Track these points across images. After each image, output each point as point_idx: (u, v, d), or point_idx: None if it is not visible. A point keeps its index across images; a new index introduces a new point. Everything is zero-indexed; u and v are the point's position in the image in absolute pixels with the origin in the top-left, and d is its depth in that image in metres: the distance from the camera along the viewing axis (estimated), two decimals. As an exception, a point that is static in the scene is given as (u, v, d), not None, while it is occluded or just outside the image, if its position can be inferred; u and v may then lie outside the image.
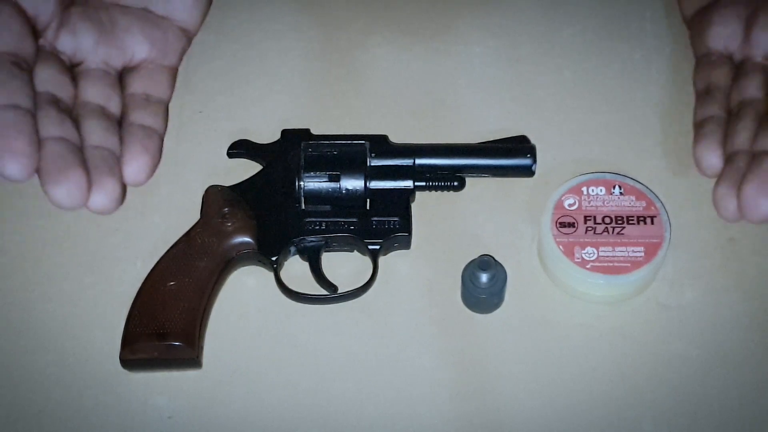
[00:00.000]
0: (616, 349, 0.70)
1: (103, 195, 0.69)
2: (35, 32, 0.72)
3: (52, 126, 0.69)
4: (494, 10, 0.85)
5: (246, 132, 0.77)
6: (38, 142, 0.68)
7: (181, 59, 0.80)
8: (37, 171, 0.68)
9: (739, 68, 0.76)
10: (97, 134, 0.72)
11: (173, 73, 0.79)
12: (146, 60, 0.77)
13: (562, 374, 0.69)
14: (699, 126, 0.75)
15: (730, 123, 0.73)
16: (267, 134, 0.76)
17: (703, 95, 0.76)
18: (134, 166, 0.72)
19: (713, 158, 0.72)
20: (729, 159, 0.71)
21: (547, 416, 0.68)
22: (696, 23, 0.80)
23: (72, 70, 0.75)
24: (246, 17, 0.85)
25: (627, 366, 0.70)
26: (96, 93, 0.74)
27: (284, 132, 0.76)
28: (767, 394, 0.68)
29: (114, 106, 0.74)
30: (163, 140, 0.76)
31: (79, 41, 0.74)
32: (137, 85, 0.76)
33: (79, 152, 0.70)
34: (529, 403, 0.69)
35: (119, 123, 0.74)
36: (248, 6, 0.86)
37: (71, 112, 0.73)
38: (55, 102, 0.71)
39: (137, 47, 0.77)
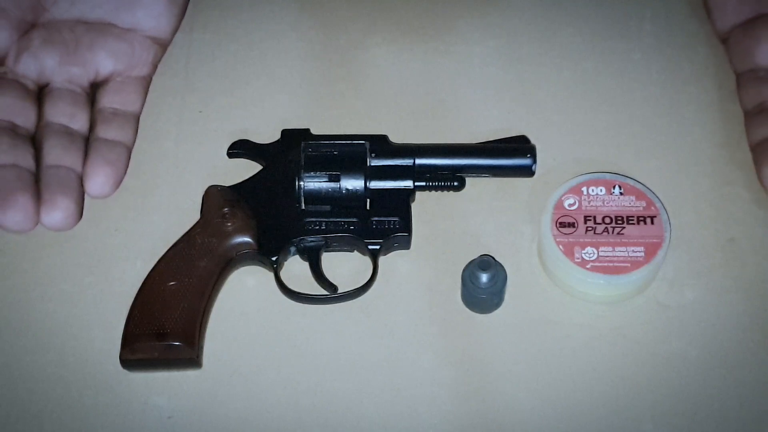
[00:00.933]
0: (616, 349, 0.70)
1: (56, 213, 0.71)
2: None
3: (3, 154, 0.72)
4: (494, 10, 0.85)
5: (246, 132, 0.78)
6: None
7: (154, 68, 0.81)
8: None
9: None
10: (54, 154, 0.73)
11: (144, 83, 0.80)
12: (113, 74, 0.78)
13: (562, 374, 0.69)
14: (761, 147, 0.74)
15: None
16: (267, 134, 0.76)
17: (755, 114, 0.76)
18: (96, 180, 0.73)
19: None
20: None
21: (547, 416, 0.68)
22: (738, 38, 0.79)
23: (40, 91, 0.77)
24: (246, 17, 0.85)
25: (627, 366, 0.70)
26: (59, 113, 0.75)
27: (284, 132, 0.76)
28: (767, 394, 0.68)
29: (79, 124, 0.76)
30: (130, 152, 0.77)
31: (41, 63, 0.76)
32: (105, 100, 0.77)
33: (30, 176, 0.72)
34: (529, 403, 0.69)
35: (87, 139, 0.76)
36: (248, 6, 0.86)
37: (31, 136, 0.75)
38: (12, 129, 0.74)
39: (101, 63, 0.78)
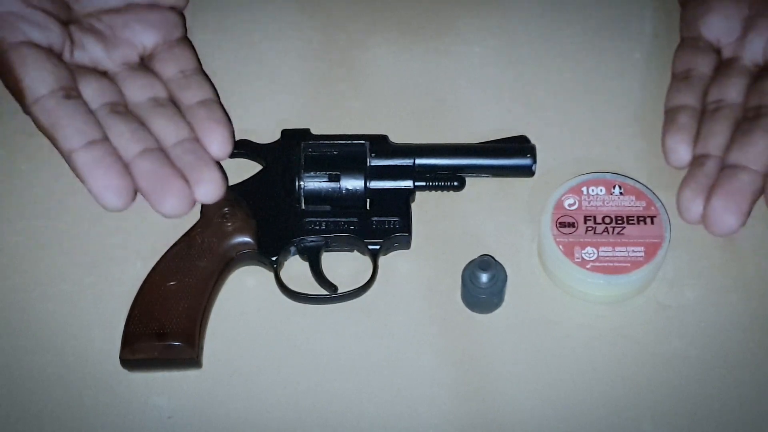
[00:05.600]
0: (616, 349, 0.70)
1: (209, 186, 0.72)
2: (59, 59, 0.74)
3: (130, 142, 0.72)
4: (494, 10, 0.85)
5: (246, 132, 0.77)
6: (126, 166, 0.71)
7: (185, 29, 0.80)
8: (139, 191, 0.71)
9: (725, 65, 0.76)
10: (169, 129, 0.73)
11: (187, 42, 0.80)
12: (158, 44, 0.78)
13: (562, 374, 0.69)
14: (672, 113, 0.75)
15: (704, 121, 0.74)
16: (267, 134, 0.76)
17: (680, 79, 0.77)
18: (216, 143, 0.73)
19: (685, 153, 0.73)
20: (699, 161, 0.72)
21: (547, 416, 0.68)
22: (692, 4, 0.79)
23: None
24: (246, 17, 0.85)
25: (627, 366, 0.70)
26: (137, 89, 0.75)
27: (284, 132, 0.76)
28: (767, 394, 0.68)
29: (161, 91, 0.75)
30: (221, 104, 0.77)
31: (91, 54, 0.76)
32: (168, 69, 0.77)
33: (166, 157, 0.72)
34: (529, 403, 0.69)
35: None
36: (248, 6, 0.86)
37: (128, 110, 0.74)
38: (114, 110, 0.73)
39: (143, 36, 0.77)
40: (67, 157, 0.71)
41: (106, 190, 0.70)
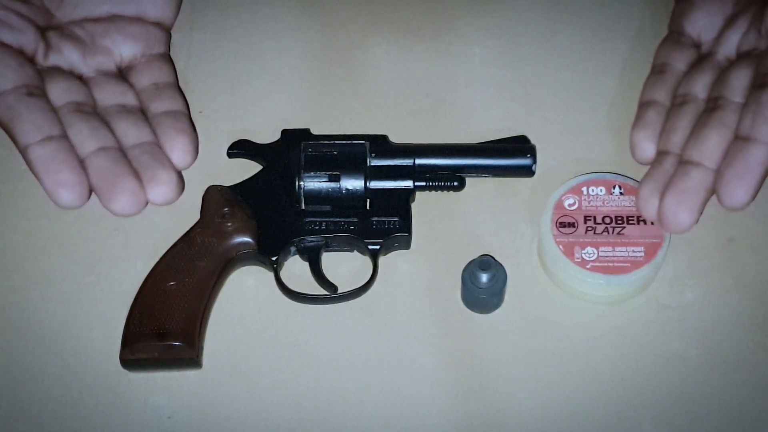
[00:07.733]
0: (616, 349, 0.70)
1: (162, 187, 0.71)
2: (30, 60, 0.75)
3: (87, 140, 0.72)
4: (494, 10, 0.85)
5: (246, 132, 0.78)
6: (82, 163, 0.71)
7: (168, 47, 0.81)
8: (92, 189, 0.71)
9: (699, 60, 0.76)
10: (131, 132, 0.73)
11: (167, 58, 0.80)
12: (135, 56, 0.78)
13: (562, 374, 0.69)
14: (643, 108, 0.75)
15: (670, 116, 0.74)
16: (267, 134, 0.76)
17: (657, 73, 0.77)
18: (177, 150, 0.74)
19: (649, 150, 0.73)
20: (659, 157, 0.72)
21: (547, 416, 0.68)
22: (681, 0, 0.80)
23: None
24: (246, 17, 0.85)
25: (627, 366, 0.70)
26: (108, 94, 0.75)
27: (284, 132, 0.76)
28: (767, 394, 0.68)
29: (131, 99, 0.76)
30: (190, 118, 0.77)
31: (67, 59, 0.76)
32: (142, 80, 0.77)
33: (122, 156, 0.72)
34: (530, 403, 0.69)
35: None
36: (248, 6, 0.86)
37: (96, 113, 0.74)
38: (79, 109, 0.73)
39: (122, 47, 0.78)
40: (23, 152, 0.71)
41: (59, 186, 0.70)
